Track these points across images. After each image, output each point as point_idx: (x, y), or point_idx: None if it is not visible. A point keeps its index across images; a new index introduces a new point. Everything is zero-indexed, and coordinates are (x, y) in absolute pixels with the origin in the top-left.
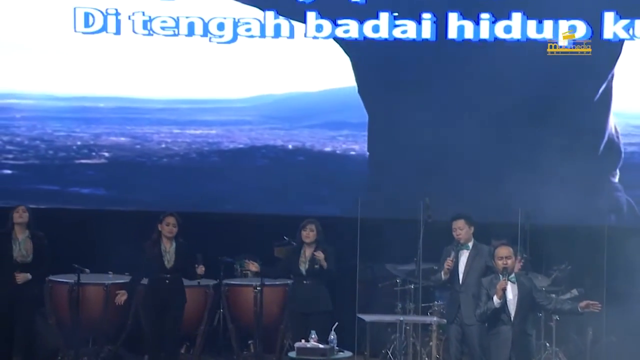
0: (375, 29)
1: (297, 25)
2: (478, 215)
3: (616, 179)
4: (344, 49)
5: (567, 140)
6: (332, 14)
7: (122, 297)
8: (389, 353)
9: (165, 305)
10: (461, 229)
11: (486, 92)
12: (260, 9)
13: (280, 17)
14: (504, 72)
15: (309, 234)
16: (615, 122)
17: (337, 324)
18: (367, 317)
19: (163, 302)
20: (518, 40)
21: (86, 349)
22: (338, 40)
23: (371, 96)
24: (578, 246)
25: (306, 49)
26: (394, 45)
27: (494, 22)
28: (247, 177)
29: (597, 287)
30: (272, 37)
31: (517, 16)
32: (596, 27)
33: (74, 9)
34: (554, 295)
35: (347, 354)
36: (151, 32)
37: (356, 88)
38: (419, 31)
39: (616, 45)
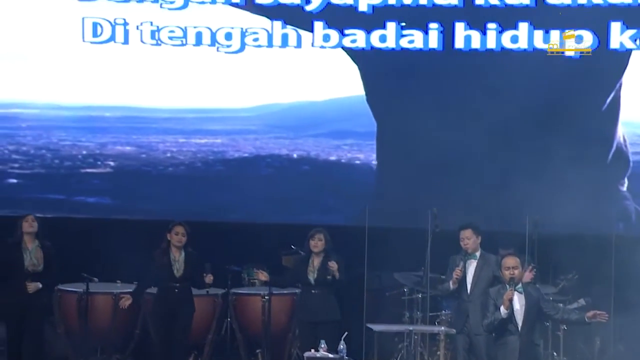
0: (383, 38)
1: (305, 34)
2: (485, 224)
3: (624, 188)
4: (352, 58)
5: (575, 149)
6: (340, 23)
7: (126, 301)
8: None
9: (173, 314)
10: (469, 239)
11: (494, 101)
12: (269, 18)
13: (288, 26)
14: (511, 81)
15: (317, 243)
16: (623, 131)
17: (346, 333)
18: (376, 327)
19: (172, 311)
20: (525, 50)
21: (94, 358)
22: (346, 49)
23: (380, 105)
24: (585, 255)
25: (311, 59)
26: (402, 54)
27: (500, 32)
28: (252, 186)
29: (604, 296)
30: (280, 47)
31: (523, 26)
32: (603, 37)
33: (83, 19)
34: (561, 305)
35: None
36: (159, 41)
37: (362, 97)
38: (426, 41)
39: (624, 55)
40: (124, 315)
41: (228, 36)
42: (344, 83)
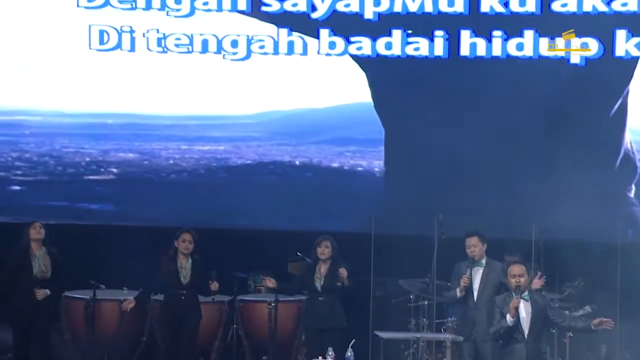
0: (388, 46)
1: (310, 42)
2: (492, 231)
3: (632, 194)
4: (360, 66)
5: (583, 156)
6: (346, 31)
7: (129, 304)
8: None
9: (180, 321)
10: (475, 246)
11: (501, 109)
12: (276, 25)
13: (294, 33)
14: (517, 88)
15: (324, 250)
16: (630, 138)
17: (354, 341)
18: (384, 335)
19: (178, 318)
20: (530, 57)
21: None
22: (354, 57)
23: (387, 112)
24: (591, 262)
25: (314, 66)
26: (410, 61)
27: (506, 40)
28: (255, 193)
29: (610, 303)
30: (286, 54)
31: (529, 34)
32: (608, 45)
33: (89, 26)
34: (567, 312)
35: None
36: (165, 49)
37: (364, 104)
38: (431, 48)
39: (631, 63)
40: (131, 322)
41: (234, 43)
42: (346, 90)
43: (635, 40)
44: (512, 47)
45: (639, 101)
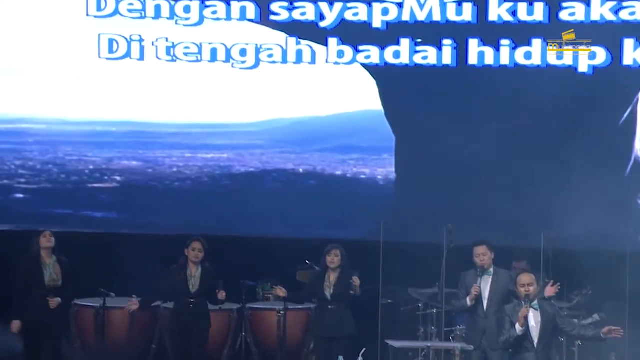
0: (397, 54)
1: (319, 51)
2: (501, 239)
3: None
4: (371, 74)
5: (592, 164)
6: (354, 40)
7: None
8: None
9: (190, 329)
10: (484, 255)
11: (509, 117)
12: (285, 33)
13: (302, 42)
14: (525, 97)
15: (333, 259)
16: None
17: (364, 349)
18: (395, 343)
19: (188, 326)
20: (538, 66)
21: None
22: (365, 66)
23: (398, 120)
24: (600, 270)
25: (320, 74)
26: (420, 70)
27: (514, 49)
28: (259, 201)
29: (619, 311)
30: (294, 63)
31: (537, 42)
32: (616, 53)
33: (99, 35)
34: (576, 321)
35: None
36: (174, 58)
37: (367, 112)
38: (439, 57)
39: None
40: (141, 330)
41: (243, 52)
42: (351, 98)
43: None
44: (520, 56)
45: None
